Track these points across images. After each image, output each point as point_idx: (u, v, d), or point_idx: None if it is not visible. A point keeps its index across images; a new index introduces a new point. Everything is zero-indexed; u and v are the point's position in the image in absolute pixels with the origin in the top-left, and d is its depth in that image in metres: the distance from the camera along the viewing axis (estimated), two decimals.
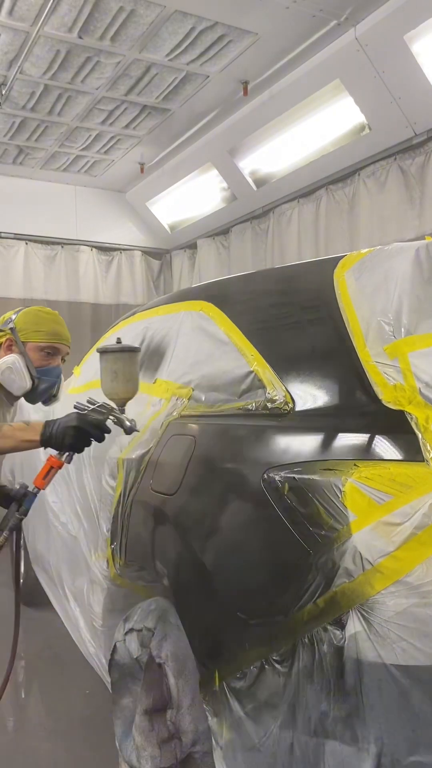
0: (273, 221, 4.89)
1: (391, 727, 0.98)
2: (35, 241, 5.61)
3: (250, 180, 4.81)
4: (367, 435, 1.22)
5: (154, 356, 2.09)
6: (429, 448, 1.12)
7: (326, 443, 1.26)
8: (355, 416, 1.29)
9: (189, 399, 1.72)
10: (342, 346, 1.40)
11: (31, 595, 3.60)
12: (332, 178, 4.30)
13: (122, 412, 1.71)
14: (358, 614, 1.02)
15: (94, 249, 5.87)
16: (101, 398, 1.76)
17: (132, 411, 1.99)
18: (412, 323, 1.37)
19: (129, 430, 1.69)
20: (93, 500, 2.05)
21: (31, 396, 2.00)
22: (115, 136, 4.72)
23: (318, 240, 4.49)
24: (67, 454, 1.67)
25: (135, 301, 5.95)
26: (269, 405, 1.42)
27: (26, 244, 5.56)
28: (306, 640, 1.07)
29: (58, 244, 5.71)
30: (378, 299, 1.45)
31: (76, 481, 2.28)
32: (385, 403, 1.24)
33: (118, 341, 1.74)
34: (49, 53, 3.54)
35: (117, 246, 6.01)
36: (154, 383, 1.97)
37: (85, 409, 1.68)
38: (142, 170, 5.32)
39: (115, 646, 1.75)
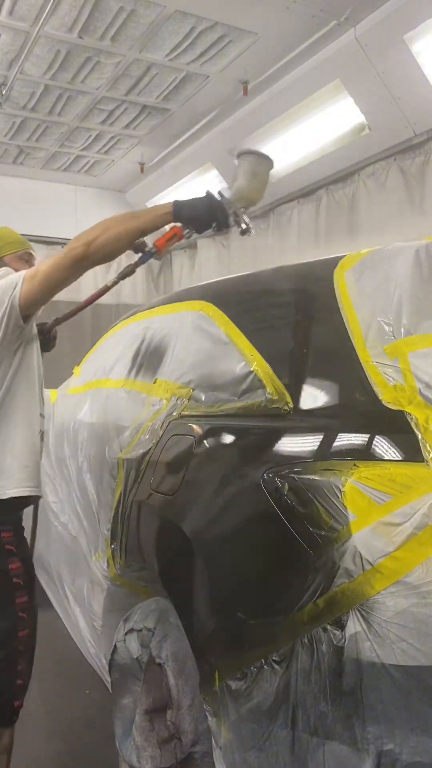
0: (273, 221, 4.89)
1: (391, 727, 0.98)
2: (35, 241, 5.58)
3: None
4: (367, 435, 1.22)
5: (154, 356, 2.09)
6: (429, 448, 1.12)
7: (326, 443, 1.26)
8: (355, 416, 1.29)
9: (189, 399, 1.72)
10: (342, 346, 1.40)
11: None
12: (332, 178, 4.30)
13: (244, 212, 1.76)
14: (358, 614, 1.02)
15: None
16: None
17: (132, 411, 1.99)
18: (412, 323, 1.37)
19: (244, 231, 1.76)
20: (93, 500, 2.05)
21: None
22: (115, 136, 4.72)
23: (318, 240, 4.49)
24: (188, 229, 1.76)
25: (135, 301, 5.94)
26: (269, 405, 1.42)
27: None
28: (306, 641, 1.07)
29: (58, 244, 5.71)
30: (378, 299, 1.45)
31: (76, 481, 2.28)
32: (385, 404, 1.24)
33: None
34: (49, 53, 3.54)
35: None
36: (154, 383, 1.97)
37: (220, 196, 1.75)
38: (142, 170, 5.32)
39: (115, 646, 1.75)
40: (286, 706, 1.08)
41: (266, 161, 1.81)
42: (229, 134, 4.53)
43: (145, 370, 2.11)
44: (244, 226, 1.75)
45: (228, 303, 1.83)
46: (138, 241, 1.76)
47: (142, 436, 1.80)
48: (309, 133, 4.15)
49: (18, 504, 1.74)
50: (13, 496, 1.70)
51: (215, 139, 4.64)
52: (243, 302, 1.84)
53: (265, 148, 4.43)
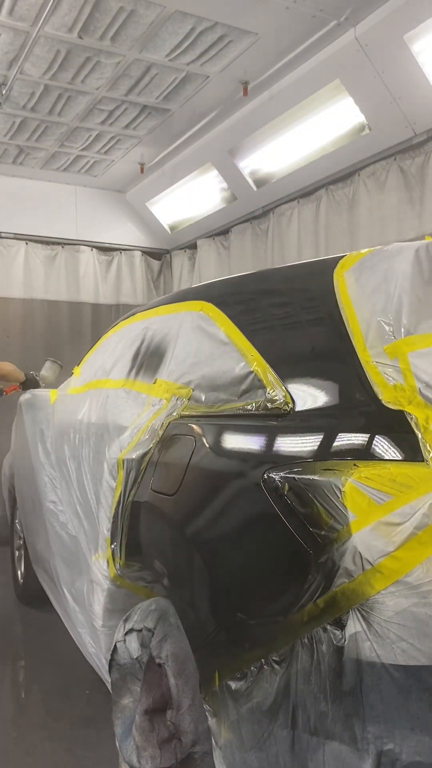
0: (273, 221, 4.89)
1: (391, 727, 0.98)
2: (35, 241, 5.60)
3: (250, 180, 4.81)
4: (367, 435, 1.22)
5: (154, 356, 2.09)
6: (429, 448, 1.12)
7: (326, 443, 1.26)
8: (355, 416, 1.29)
9: (189, 399, 1.72)
10: (342, 346, 1.40)
11: (31, 595, 3.61)
12: (332, 178, 4.30)
13: (41, 383, 3.69)
14: (358, 614, 1.02)
15: (94, 249, 5.86)
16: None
17: (132, 411, 2.00)
18: (412, 323, 1.37)
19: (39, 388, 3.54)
20: (93, 500, 2.05)
21: None
22: (115, 136, 4.72)
23: (318, 240, 4.49)
24: (22, 387, 3.62)
25: (135, 301, 5.94)
26: (269, 405, 1.42)
27: (26, 244, 5.56)
28: (306, 641, 1.07)
29: (58, 244, 5.71)
30: (378, 299, 1.45)
31: (76, 481, 2.28)
32: (385, 403, 1.24)
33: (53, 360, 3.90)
34: (49, 53, 3.54)
35: (117, 246, 6.01)
36: (154, 383, 1.97)
37: (36, 376, 3.69)
38: (142, 170, 5.32)
39: (115, 646, 1.75)
40: (286, 706, 1.08)
41: (59, 365, 3.80)
42: (229, 134, 4.53)
43: (145, 370, 2.11)
44: (40, 387, 3.59)
45: (228, 303, 1.83)
46: None
47: (142, 436, 1.80)
48: (309, 133, 4.15)
49: None
50: None
51: (215, 139, 4.64)
52: (243, 302, 1.84)
53: (265, 148, 4.46)
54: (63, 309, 5.69)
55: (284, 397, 1.40)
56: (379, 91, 3.57)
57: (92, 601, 1.99)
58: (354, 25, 3.39)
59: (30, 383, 3.63)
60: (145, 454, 1.73)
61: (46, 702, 2.67)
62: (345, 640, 1.02)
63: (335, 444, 1.24)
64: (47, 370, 3.82)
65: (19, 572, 3.83)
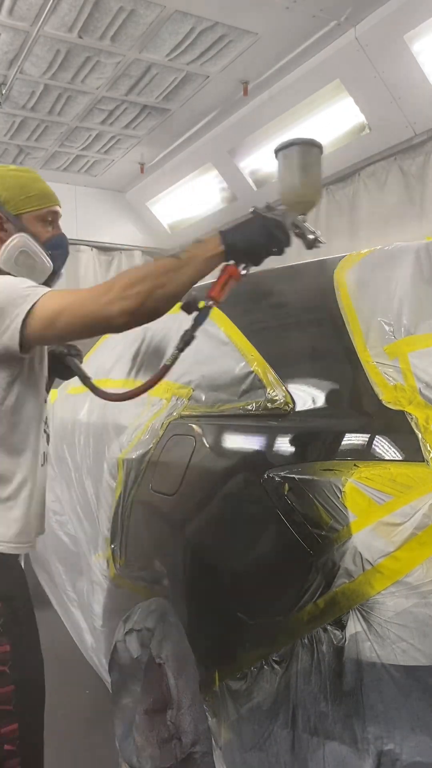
0: None
1: (391, 728, 0.98)
2: None
3: (250, 180, 4.80)
4: (367, 435, 1.22)
5: (154, 356, 2.09)
6: (429, 448, 1.12)
7: (326, 443, 1.26)
8: (355, 416, 1.29)
9: (189, 399, 1.72)
10: (342, 346, 1.40)
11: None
12: (332, 178, 4.30)
13: (304, 221, 1.39)
14: (358, 615, 1.02)
15: (94, 249, 5.86)
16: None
17: (132, 411, 1.99)
18: (413, 323, 1.37)
19: (311, 244, 1.39)
20: (93, 500, 2.05)
21: (50, 279, 1.65)
22: (115, 136, 4.72)
23: None
24: (245, 265, 1.35)
25: None
26: (269, 405, 1.42)
27: None
28: (306, 641, 1.07)
29: None
30: (378, 299, 1.45)
31: (75, 481, 2.28)
32: (385, 404, 1.24)
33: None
34: (49, 53, 3.54)
35: (117, 246, 6.01)
36: None
37: (266, 213, 1.36)
38: (142, 170, 5.32)
39: (115, 646, 1.75)
40: (287, 706, 1.08)
41: (314, 149, 1.40)
42: (229, 134, 4.53)
43: (145, 370, 2.11)
44: (311, 236, 1.38)
45: (228, 303, 1.83)
46: (185, 304, 1.37)
47: (142, 436, 1.80)
48: (309, 133, 4.14)
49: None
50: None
51: (215, 139, 4.64)
52: (243, 302, 1.84)
53: (265, 149, 4.45)
54: None
55: (284, 397, 1.40)
56: (379, 91, 3.57)
57: (92, 601, 1.99)
58: (354, 25, 3.39)
59: (254, 249, 1.46)
60: (145, 454, 1.73)
61: (46, 702, 2.67)
62: (345, 641, 1.02)
63: (335, 444, 1.24)
64: (292, 175, 1.87)
65: None
